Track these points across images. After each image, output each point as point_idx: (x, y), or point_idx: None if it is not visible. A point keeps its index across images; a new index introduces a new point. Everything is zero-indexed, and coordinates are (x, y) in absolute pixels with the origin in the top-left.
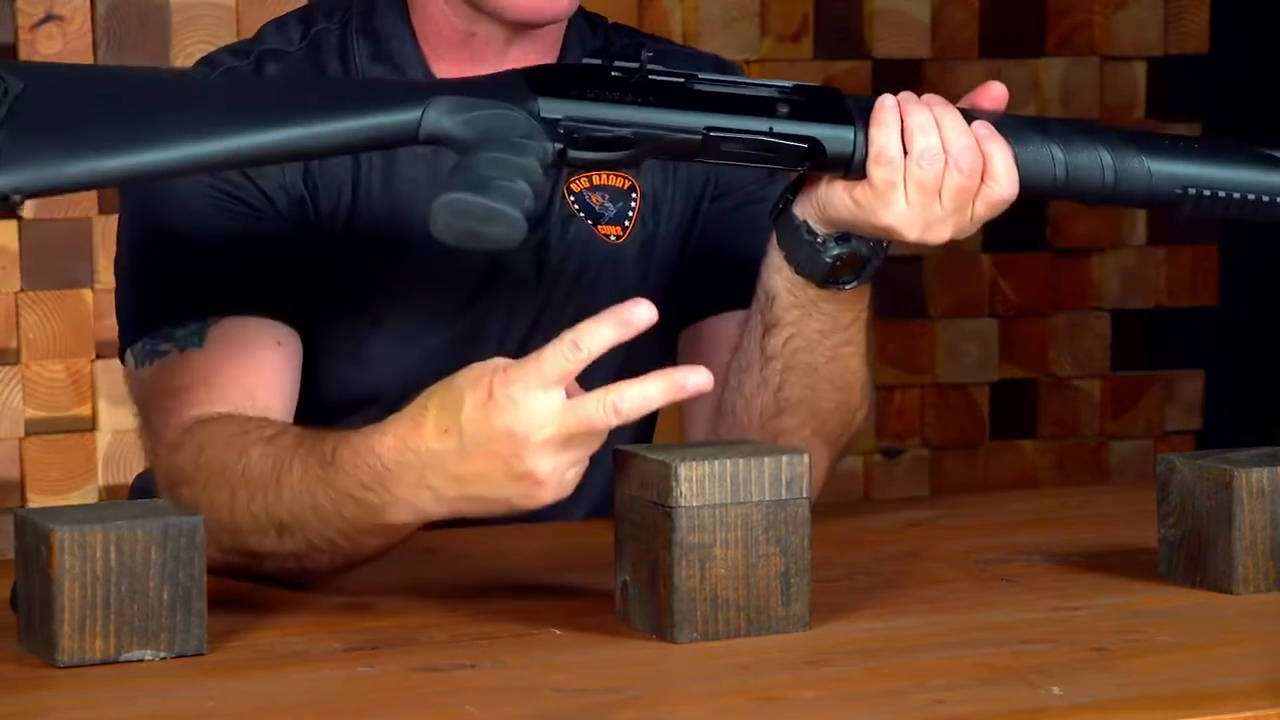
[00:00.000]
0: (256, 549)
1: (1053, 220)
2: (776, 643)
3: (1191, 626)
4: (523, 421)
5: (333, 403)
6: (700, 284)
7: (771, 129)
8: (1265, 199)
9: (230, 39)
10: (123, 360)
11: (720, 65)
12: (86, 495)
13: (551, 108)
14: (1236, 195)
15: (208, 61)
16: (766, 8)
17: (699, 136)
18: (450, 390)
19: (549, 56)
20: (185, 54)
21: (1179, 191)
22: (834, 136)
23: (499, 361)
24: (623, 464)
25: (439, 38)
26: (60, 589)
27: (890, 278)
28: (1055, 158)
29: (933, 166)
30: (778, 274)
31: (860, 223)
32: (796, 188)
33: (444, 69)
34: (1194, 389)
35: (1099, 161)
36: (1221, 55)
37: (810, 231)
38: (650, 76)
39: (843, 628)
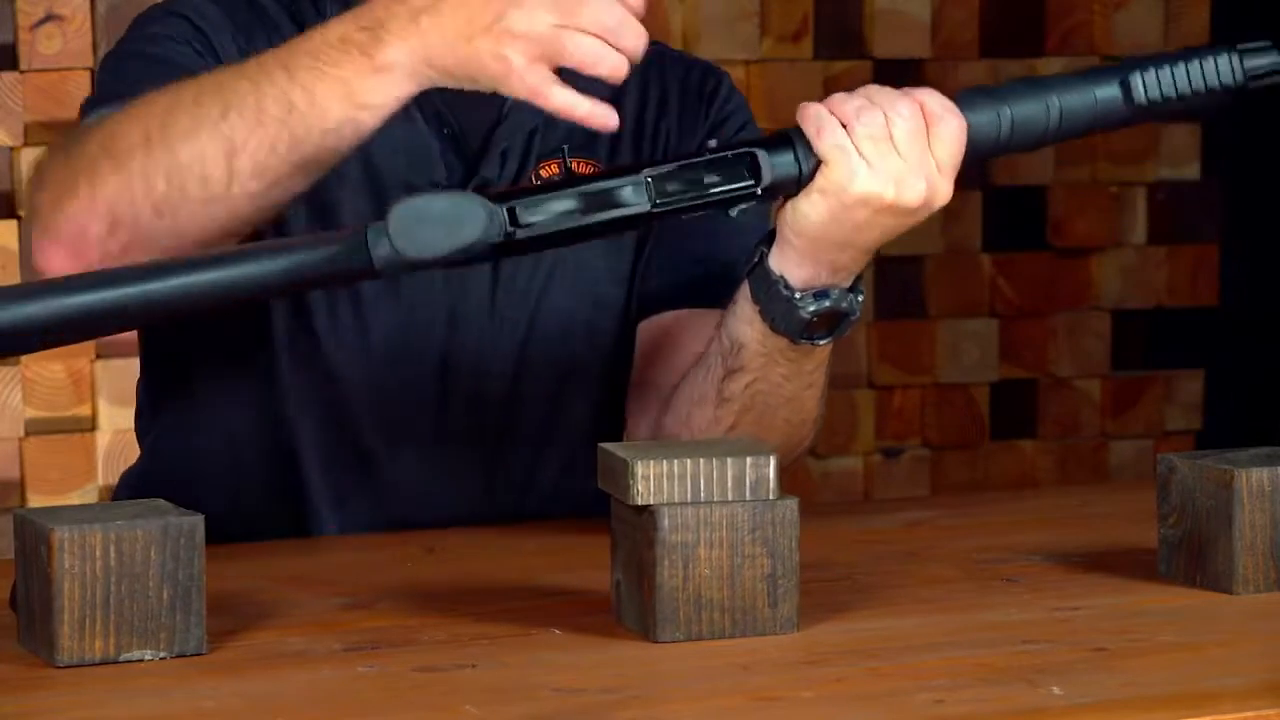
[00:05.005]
0: (181, 143)
1: (1053, 220)
2: (776, 643)
3: (1191, 626)
4: None
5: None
6: (663, 279)
7: (709, 145)
8: (1209, 63)
9: None
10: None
11: (705, 72)
12: (86, 495)
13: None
14: (1180, 67)
15: None
16: (766, 8)
17: (643, 182)
18: None
19: None
20: None
21: (1122, 82)
22: (773, 153)
23: None
24: (607, 463)
25: None
26: (60, 589)
27: (890, 278)
28: (1001, 113)
29: (874, 120)
30: (748, 325)
31: (836, 212)
32: (769, 241)
33: None
34: (1194, 389)
35: (1044, 104)
36: None
37: (787, 286)
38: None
39: (842, 628)
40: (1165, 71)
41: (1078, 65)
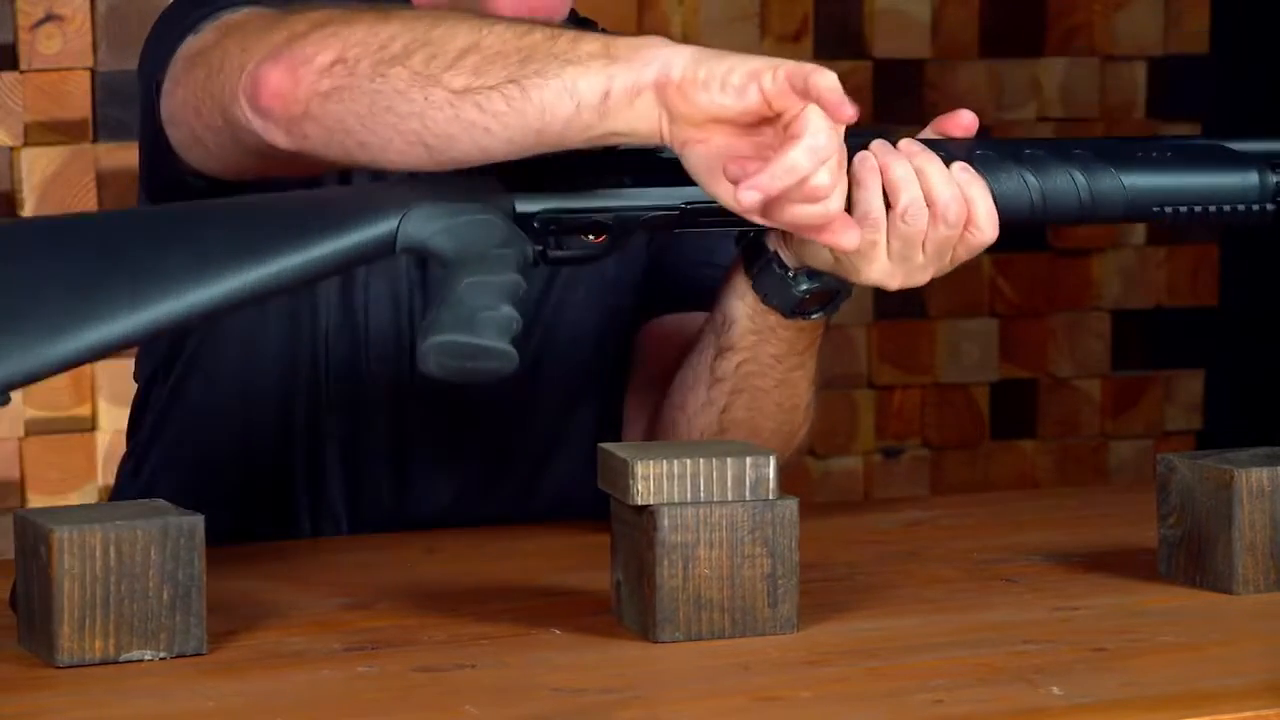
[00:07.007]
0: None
1: None
2: (775, 643)
3: (1191, 626)
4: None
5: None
6: (664, 283)
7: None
8: (1241, 207)
9: None
10: (157, 95)
11: None
12: (86, 495)
13: (527, 204)
14: (1213, 208)
15: None
16: (766, 8)
17: (677, 212)
18: None
19: None
20: None
21: (1156, 209)
22: None
23: None
24: (607, 463)
25: None
26: (60, 589)
27: None
28: (1030, 185)
29: (917, 222)
30: (740, 300)
31: (838, 275)
32: None
33: None
34: (1194, 389)
35: (1073, 185)
36: (1221, 55)
37: (781, 265)
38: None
39: (842, 628)
40: (1191, 206)
41: (1078, 65)
